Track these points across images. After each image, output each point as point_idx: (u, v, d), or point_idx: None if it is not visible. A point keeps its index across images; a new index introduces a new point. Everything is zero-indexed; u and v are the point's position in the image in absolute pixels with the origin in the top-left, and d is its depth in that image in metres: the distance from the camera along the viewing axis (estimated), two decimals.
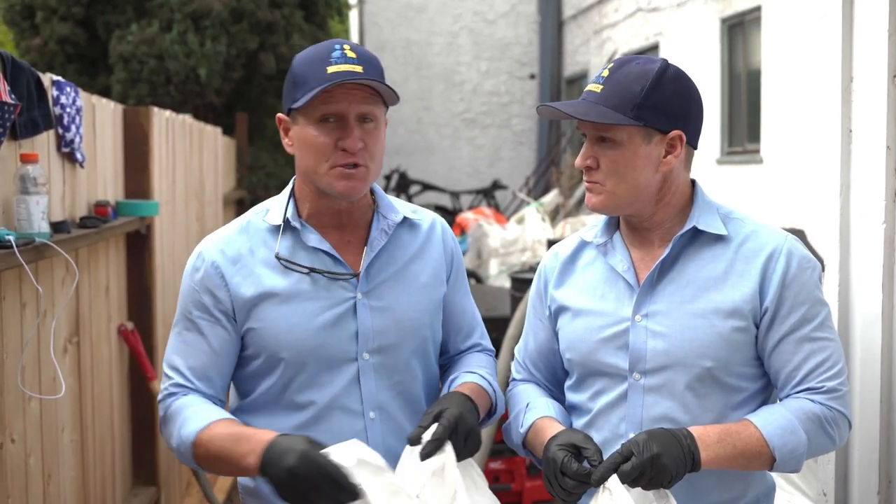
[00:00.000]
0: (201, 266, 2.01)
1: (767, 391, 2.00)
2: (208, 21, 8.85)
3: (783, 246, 1.93)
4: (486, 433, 4.33)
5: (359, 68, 1.91)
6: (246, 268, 2.00)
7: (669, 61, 1.94)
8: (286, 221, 2.01)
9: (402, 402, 2.04)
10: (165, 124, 4.77)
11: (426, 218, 2.16)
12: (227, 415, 1.97)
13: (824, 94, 2.32)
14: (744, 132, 9.20)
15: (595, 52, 13.07)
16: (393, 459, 1.92)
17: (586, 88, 1.97)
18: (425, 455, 1.83)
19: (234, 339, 2.01)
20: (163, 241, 4.66)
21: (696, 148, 1.98)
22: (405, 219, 2.10)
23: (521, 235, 9.20)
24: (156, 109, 4.49)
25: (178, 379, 2.00)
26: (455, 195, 13.89)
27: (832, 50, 2.24)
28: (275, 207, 2.06)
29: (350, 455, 1.79)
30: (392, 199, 2.13)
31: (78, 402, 3.49)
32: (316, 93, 1.88)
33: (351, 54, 1.92)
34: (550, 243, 7.04)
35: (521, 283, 6.57)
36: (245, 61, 9.21)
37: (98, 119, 3.81)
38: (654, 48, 10.94)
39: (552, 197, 11.48)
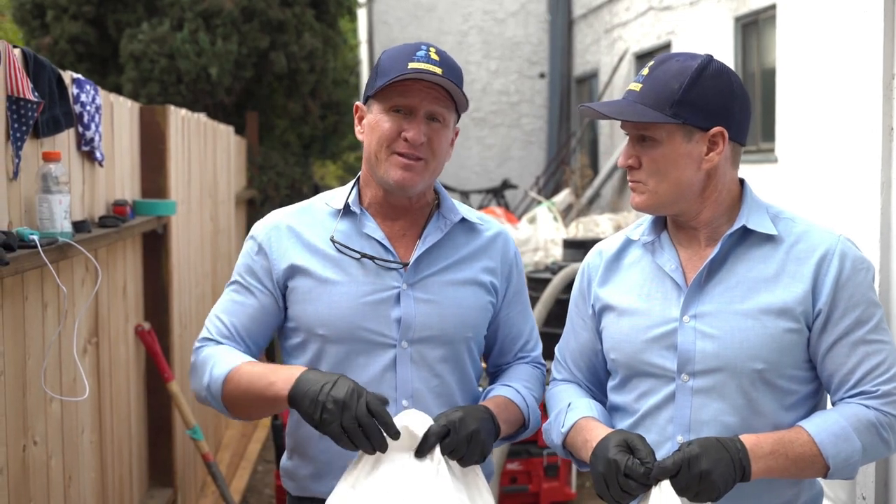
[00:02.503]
0: (259, 235, 2.13)
1: (819, 394, 1.96)
2: (219, 20, 8.81)
3: (836, 247, 1.89)
4: None
5: (438, 70, 2.00)
6: (300, 244, 2.09)
7: (714, 57, 1.91)
8: (346, 206, 2.10)
9: (437, 393, 2.07)
10: (181, 123, 4.74)
11: (491, 227, 2.20)
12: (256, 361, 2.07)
13: (863, 92, 2.27)
14: (758, 131, 9.15)
15: (606, 51, 13.02)
16: None
17: (627, 88, 1.94)
18: (417, 453, 1.87)
19: (276, 308, 2.11)
20: (179, 240, 4.63)
21: (743, 145, 1.94)
22: (465, 220, 2.15)
23: (533, 235, 9.14)
24: (172, 108, 4.46)
25: (212, 332, 2.12)
26: (465, 195, 13.85)
27: (873, 47, 2.20)
28: (339, 193, 2.16)
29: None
30: (459, 204, 2.19)
31: (97, 402, 3.46)
32: (391, 81, 1.98)
33: (434, 56, 2.03)
34: (566, 242, 7.01)
35: (536, 283, 6.54)
36: (256, 60, 9.17)
37: (116, 117, 3.77)
38: (666, 47, 10.88)
39: (564, 196, 11.43)
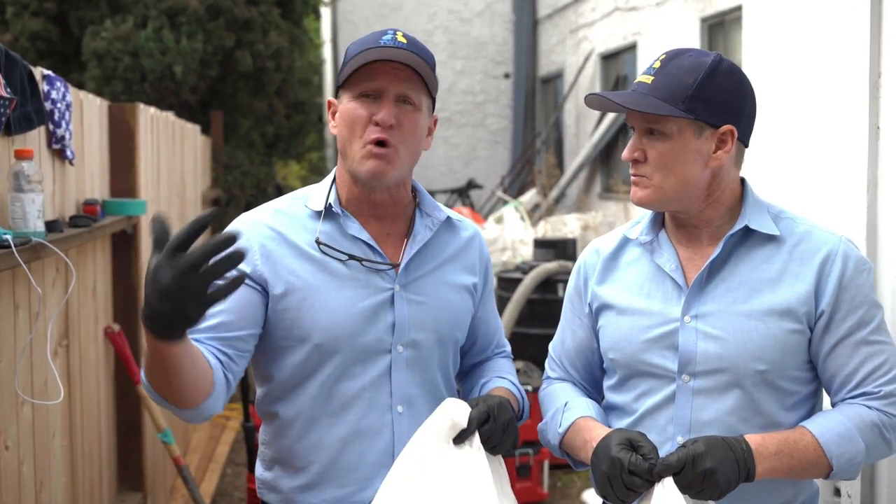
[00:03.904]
0: (239, 233, 1.91)
1: (818, 395, 1.95)
2: (184, 18, 8.70)
3: (839, 248, 1.88)
4: None
5: (406, 51, 1.93)
6: (284, 245, 1.96)
7: (723, 55, 1.89)
8: (328, 207, 1.99)
9: (430, 398, 2.01)
10: (151, 121, 4.66)
11: (468, 227, 2.16)
12: None
13: (846, 92, 2.28)
14: None
15: (571, 51, 13.04)
16: None
17: (636, 80, 1.91)
18: (457, 439, 1.83)
19: (260, 303, 1.93)
20: (148, 240, 4.55)
21: (747, 145, 1.93)
22: (448, 219, 2.09)
23: (500, 235, 9.15)
24: (141, 106, 4.39)
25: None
26: (431, 195, 13.80)
27: (859, 46, 2.20)
28: (315, 194, 2.04)
29: None
30: (434, 201, 2.13)
31: (68, 406, 3.39)
32: (358, 65, 1.89)
33: (402, 40, 1.95)
34: (537, 242, 7.00)
35: (506, 283, 6.52)
36: (221, 59, 9.07)
37: (85, 115, 3.70)
38: (632, 48, 10.92)
39: (530, 196, 11.45)
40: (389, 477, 1.84)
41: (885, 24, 2.16)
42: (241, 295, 1.92)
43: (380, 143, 1.91)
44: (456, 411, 1.85)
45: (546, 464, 5.11)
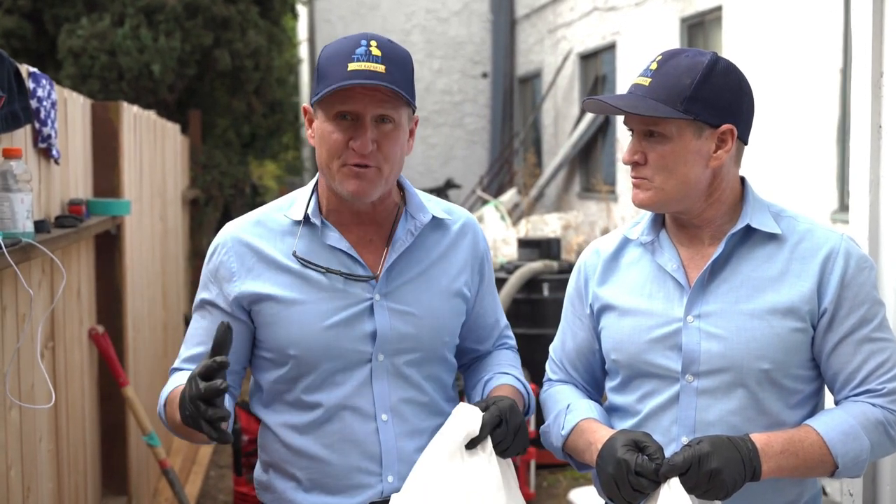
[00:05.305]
0: (217, 255, 1.99)
1: (821, 392, 1.95)
2: (162, 16, 8.62)
3: (841, 245, 1.88)
4: None
5: (381, 68, 1.85)
6: (262, 262, 1.96)
7: (720, 54, 1.88)
8: (306, 217, 1.97)
9: (416, 405, 1.99)
10: (133, 120, 4.61)
11: (459, 218, 2.10)
12: None
13: (824, 88, 2.27)
14: None
15: (549, 51, 13.05)
16: (406, 462, 1.93)
17: (633, 82, 1.90)
18: (470, 444, 1.83)
19: (245, 329, 1.98)
20: (132, 241, 4.50)
21: (747, 143, 1.92)
22: (433, 218, 2.03)
23: None
24: (125, 104, 4.34)
25: (177, 363, 2.03)
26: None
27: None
28: (298, 202, 2.02)
29: None
30: (424, 196, 2.07)
31: (54, 409, 3.34)
32: (330, 91, 1.84)
33: (376, 52, 1.86)
34: (521, 242, 6.98)
35: None
36: (199, 58, 9.00)
37: (69, 114, 3.65)
38: (611, 48, 10.93)
39: (510, 196, 11.45)
40: (405, 488, 1.84)
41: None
42: (236, 333, 1.93)
43: (359, 164, 1.88)
44: (468, 418, 1.84)
45: (532, 464, 5.10)
